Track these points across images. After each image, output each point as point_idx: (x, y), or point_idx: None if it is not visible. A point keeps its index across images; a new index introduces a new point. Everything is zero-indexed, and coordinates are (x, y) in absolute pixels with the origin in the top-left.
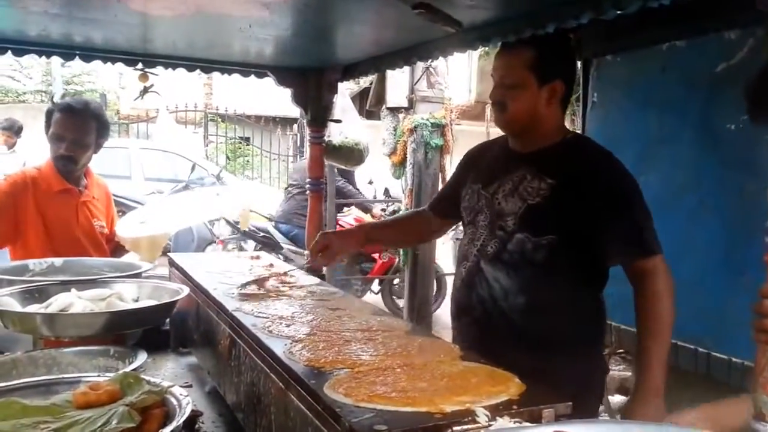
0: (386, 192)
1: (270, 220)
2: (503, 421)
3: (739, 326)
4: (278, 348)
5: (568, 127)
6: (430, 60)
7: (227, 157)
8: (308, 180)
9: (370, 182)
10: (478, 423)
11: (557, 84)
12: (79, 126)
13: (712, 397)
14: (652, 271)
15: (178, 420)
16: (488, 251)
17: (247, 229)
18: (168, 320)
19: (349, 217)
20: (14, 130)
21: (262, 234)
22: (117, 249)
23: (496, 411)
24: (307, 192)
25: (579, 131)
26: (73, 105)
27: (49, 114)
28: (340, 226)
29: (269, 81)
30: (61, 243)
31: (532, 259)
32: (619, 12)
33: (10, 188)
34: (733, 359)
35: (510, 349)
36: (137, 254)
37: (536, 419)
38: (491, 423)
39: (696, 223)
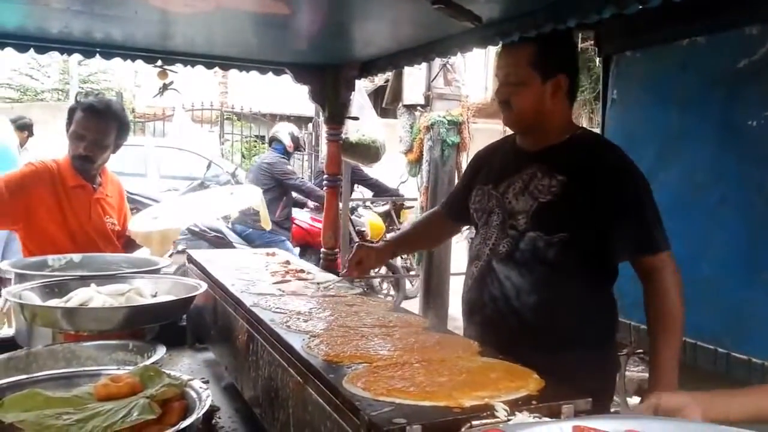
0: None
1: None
2: (522, 416)
3: (760, 325)
4: (296, 343)
5: (587, 124)
6: (448, 56)
7: (242, 156)
8: (325, 176)
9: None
10: (497, 418)
11: (561, 78)
12: (100, 127)
13: None
14: (659, 267)
15: (198, 413)
16: (500, 250)
17: (197, 229)
18: (184, 316)
19: (305, 215)
20: (17, 124)
21: (213, 234)
22: (129, 244)
23: (515, 406)
24: (324, 187)
25: (598, 128)
26: (95, 105)
27: (71, 111)
28: (297, 225)
29: (284, 79)
30: (73, 237)
31: (544, 258)
32: (641, 6)
33: (26, 174)
34: (753, 359)
35: (522, 347)
36: (148, 248)
37: (555, 415)
38: (510, 418)
39: (716, 220)
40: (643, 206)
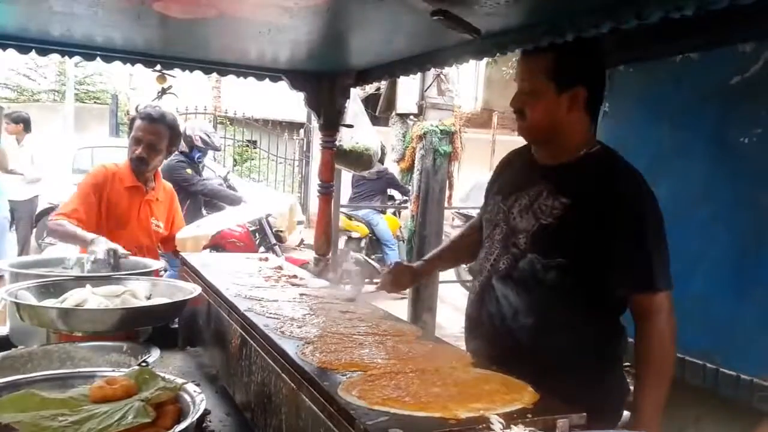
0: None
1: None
2: (517, 430)
3: (750, 342)
4: (290, 349)
5: None
6: (444, 67)
7: (234, 160)
8: (318, 183)
9: None
10: (493, 430)
11: (579, 90)
12: (154, 132)
13: (719, 414)
14: (654, 309)
15: (193, 417)
16: (500, 267)
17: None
18: (177, 319)
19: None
20: (12, 117)
21: None
22: (173, 249)
23: (510, 419)
24: (318, 194)
25: None
26: (152, 114)
27: (132, 120)
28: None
29: (277, 85)
30: (118, 231)
31: (543, 280)
32: (639, 22)
33: (95, 181)
34: (742, 376)
35: (516, 368)
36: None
37: (550, 429)
38: (505, 431)
39: (707, 236)
40: (645, 240)
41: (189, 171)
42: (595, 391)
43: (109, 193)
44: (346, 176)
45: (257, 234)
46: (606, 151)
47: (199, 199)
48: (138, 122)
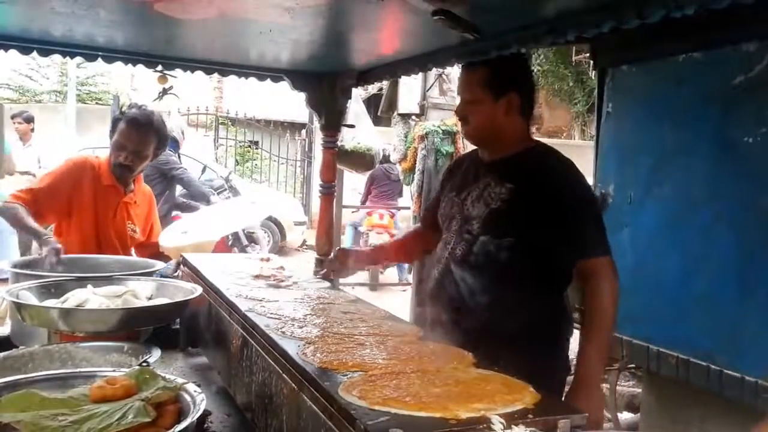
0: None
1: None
2: (518, 430)
3: (754, 343)
4: (291, 349)
5: (579, 136)
6: (445, 67)
7: (236, 161)
8: (320, 183)
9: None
10: (494, 431)
11: (512, 96)
12: (141, 139)
13: (723, 415)
14: (596, 272)
15: (193, 416)
16: (457, 254)
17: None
18: (178, 319)
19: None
20: (24, 117)
21: None
22: (158, 257)
23: (511, 419)
24: (319, 195)
25: (591, 141)
26: (138, 118)
27: (115, 122)
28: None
29: (279, 85)
30: (98, 235)
31: (495, 260)
32: (640, 21)
33: (69, 169)
34: (746, 377)
35: (476, 344)
36: None
37: (551, 429)
38: (506, 431)
39: (711, 237)
40: (582, 215)
41: (173, 158)
42: (541, 361)
43: (85, 186)
44: (348, 176)
45: (230, 236)
46: (542, 146)
47: (175, 190)
48: (123, 126)
